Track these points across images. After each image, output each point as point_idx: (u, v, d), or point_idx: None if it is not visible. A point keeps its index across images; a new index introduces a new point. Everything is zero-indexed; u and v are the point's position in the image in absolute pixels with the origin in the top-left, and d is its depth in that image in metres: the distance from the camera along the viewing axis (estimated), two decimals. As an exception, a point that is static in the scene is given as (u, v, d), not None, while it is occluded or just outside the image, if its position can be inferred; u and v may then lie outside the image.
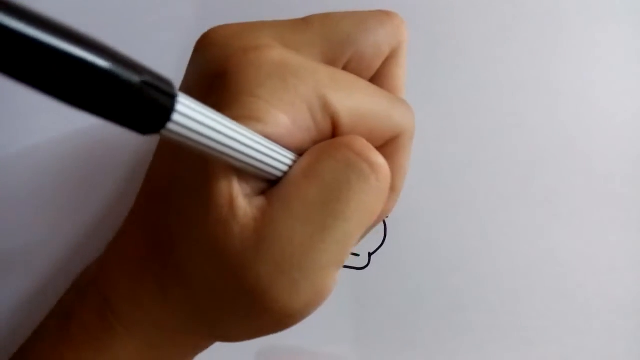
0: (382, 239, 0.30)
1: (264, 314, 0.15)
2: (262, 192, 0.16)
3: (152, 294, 0.17)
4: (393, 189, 0.18)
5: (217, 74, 0.16)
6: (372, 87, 0.17)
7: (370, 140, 0.16)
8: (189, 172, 0.16)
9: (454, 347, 0.29)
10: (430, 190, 0.29)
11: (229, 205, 0.15)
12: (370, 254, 0.30)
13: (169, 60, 0.27)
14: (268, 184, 0.16)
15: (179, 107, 0.12)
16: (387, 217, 0.19)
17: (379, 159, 0.15)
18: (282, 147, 0.15)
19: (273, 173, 0.15)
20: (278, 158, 0.15)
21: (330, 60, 0.18)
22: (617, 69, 0.29)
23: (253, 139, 0.14)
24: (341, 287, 0.30)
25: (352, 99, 0.16)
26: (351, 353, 0.29)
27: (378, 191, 0.15)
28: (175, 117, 0.12)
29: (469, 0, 0.29)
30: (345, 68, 0.18)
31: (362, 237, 0.17)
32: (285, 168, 0.16)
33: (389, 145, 0.18)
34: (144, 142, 0.27)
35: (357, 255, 0.30)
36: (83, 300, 0.18)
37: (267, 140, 0.15)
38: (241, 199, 0.15)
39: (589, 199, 0.29)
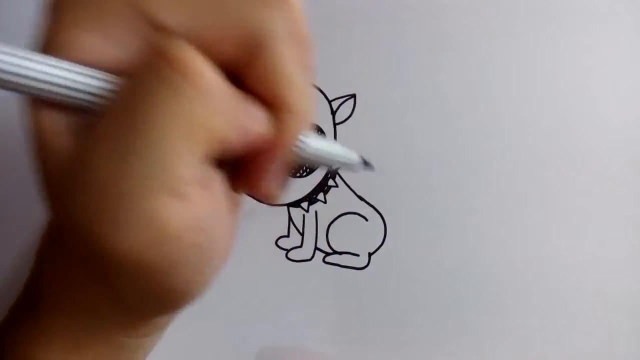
0: (382, 239, 0.30)
1: (99, 258, 0.13)
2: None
3: (78, 271, 0.15)
4: (281, 107, 0.15)
5: None
6: None
7: (213, 45, 0.14)
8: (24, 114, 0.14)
9: (454, 347, 0.29)
10: (430, 190, 0.29)
11: (50, 139, 0.13)
12: (370, 254, 0.30)
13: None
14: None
15: None
16: (286, 147, 0.15)
17: (191, 61, 0.13)
18: (98, 71, 0.14)
19: (93, 100, 0.14)
20: (93, 83, 0.13)
21: None
22: (617, 70, 0.29)
23: (57, 66, 0.13)
24: (341, 287, 0.30)
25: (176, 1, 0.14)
26: (351, 353, 0.29)
27: (194, 99, 0.13)
28: None
29: (469, 0, 0.29)
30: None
31: (188, 157, 0.13)
32: (108, 93, 0.14)
33: (254, 52, 0.14)
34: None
35: (357, 255, 0.30)
36: (24, 291, 0.17)
37: (74, 65, 0.13)
38: (61, 132, 0.14)
39: (589, 199, 0.29)
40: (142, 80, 0.13)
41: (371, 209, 0.30)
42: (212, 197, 0.14)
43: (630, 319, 0.29)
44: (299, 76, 0.15)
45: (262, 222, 0.30)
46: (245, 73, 0.14)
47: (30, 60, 0.12)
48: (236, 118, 0.14)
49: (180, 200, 0.13)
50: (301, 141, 0.15)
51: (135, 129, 0.13)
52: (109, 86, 0.13)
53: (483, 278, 0.29)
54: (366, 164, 0.19)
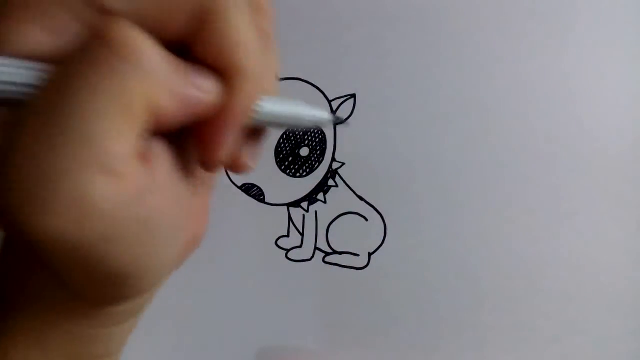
0: (382, 239, 0.30)
1: (37, 245, 0.13)
2: None
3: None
4: (235, 71, 0.14)
5: None
6: None
7: (160, 21, 0.14)
8: None
9: (454, 347, 0.29)
10: (430, 191, 0.29)
11: None
12: (370, 254, 0.30)
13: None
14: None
15: None
16: (238, 113, 0.14)
17: (113, 29, 0.13)
18: (33, 62, 0.13)
19: (21, 91, 0.13)
20: (25, 74, 0.13)
21: None
22: (618, 70, 0.29)
23: None
24: (341, 287, 0.30)
25: None
26: (351, 352, 0.29)
27: (126, 70, 0.13)
28: None
29: (469, 0, 0.29)
30: None
31: (114, 133, 0.13)
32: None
33: (205, 20, 0.14)
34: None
35: (357, 255, 0.30)
36: None
37: (6, 59, 0.13)
38: None
39: (589, 199, 0.29)
40: (72, 61, 0.13)
41: (371, 209, 0.30)
42: (155, 171, 0.14)
43: (630, 319, 0.29)
44: (253, 40, 0.14)
45: (262, 222, 0.30)
46: (196, 43, 0.14)
47: None
48: (174, 87, 0.14)
49: (113, 176, 0.13)
50: (258, 105, 0.14)
51: (61, 107, 0.12)
52: (43, 76, 0.13)
53: (483, 278, 0.29)
54: (338, 119, 0.19)
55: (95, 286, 0.14)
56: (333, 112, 0.20)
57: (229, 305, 0.30)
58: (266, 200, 0.30)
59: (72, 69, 0.13)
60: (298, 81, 0.30)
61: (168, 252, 0.15)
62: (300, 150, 0.30)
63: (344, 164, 0.30)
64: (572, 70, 0.29)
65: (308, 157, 0.30)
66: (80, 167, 0.13)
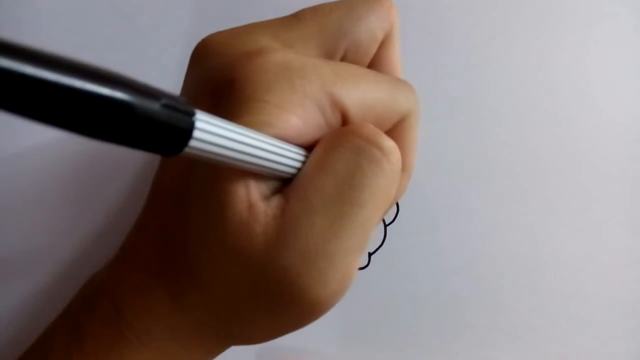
0: (382, 239, 0.30)
1: (293, 306, 0.15)
2: (278, 190, 0.16)
3: (165, 302, 0.17)
4: (404, 169, 0.18)
5: (223, 82, 0.16)
6: (374, 75, 0.18)
7: (378, 125, 0.17)
8: (202, 178, 0.16)
9: (454, 347, 0.29)
10: (430, 191, 0.29)
11: (248, 208, 0.15)
12: (370, 254, 0.30)
13: (166, 60, 0.27)
14: (283, 182, 0.16)
15: (198, 124, 0.12)
16: (400, 198, 0.19)
17: (388, 142, 0.16)
18: (294, 146, 0.16)
19: (287, 172, 0.16)
20: (291, 156, 0.15)
21: (328, 52, 0.18)
22: (617, 69, 0.29)
23: (267, 142, 0.14)
24: (341, 287, 0.30)
25: (358, 90, 0.16)
26: (351, 353, 0.29)
27: (391, 174, 0.16)
28: (196, 134, 0.12)
29: (469, 0, 0.29)
30: (343, 58, 0.18)
31: (379, 221, 0.17)
32: (299, 165, 0.16)
33: (396, 127, 0.18)
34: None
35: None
36: (93, 311, 0.18)
37: (280, 142, 0.15)
38: (259, 201, 0.15)
39: (588, 199, 0.29)
40: (349, 157, 0.15)
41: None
42: None
43: (630, 319, 0.29)
44: (416, 145, 0.19)
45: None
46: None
47: (246, 136, 0.14)
48: (401, 188, 0.18)
49: (360, 256, 0.16)
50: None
51: (350, 201, 0.15)
52: (300, 158, 0.16)
53: (483, 278, 0.29)
54: None
55: (273, 333, 0.18)
56: None
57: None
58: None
59: (353, 165, 0.15)
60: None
61: None
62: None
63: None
64: (572, 69, 0.29)
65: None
66: (355, 253, 0.16)
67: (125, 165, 0.27)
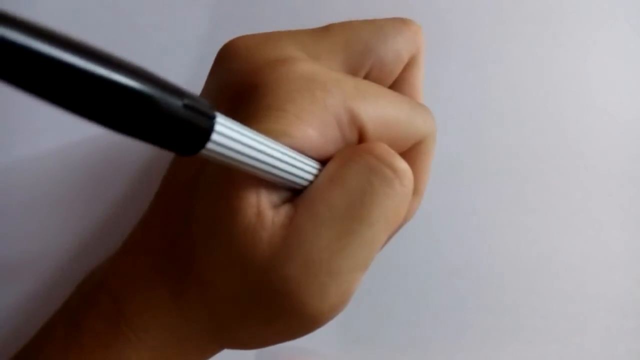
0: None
1: (290, 317, 0.15)
2: (288, 200, 0.16)
3: (165, 300, 0.17)
4: (416, 192, 0.19)
5: (245, 86, 0.16)
6: (395, 95, 0.18)
7: (394, 146, 0.17)
8: (214, 180, 0.16)
9: (454, 347, 0.29)
10: (430, 191, 0.29)
11: (257, 215, 0.15)
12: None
13: (167, 61, 0.27)
14: (293, 192, 0.16)
15: (217, 127, 0.12)
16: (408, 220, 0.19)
17: (401, 164, 0.16)
18: (308, 158, 0.16)
19: (299, 182, 0.16)
20: (305, 168, 0.15)
21: (353, 68, 0.18)
22: (617, 69, 0.29)
23: (283, 152, 0.14)
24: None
25: (378, 109, 0.16)
26: (351, 353, 0.29)
27: (402, 196, 0.16)
28: (214, 137, 0.12)
29: (469, 1, 0.29)
30: (367, 76, 0.18)
31: (386, 242, 0.17)
32: (311, 177, 0.16)
33: (412, 150, 0.18)
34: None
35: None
36: (92, 306, 0.18)
37: (296, 152, 0.15)
38: (268, 209, 0.15)
39: (588, 199, 0.29)
40: (361, 174, 0.15)
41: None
42: None
43: (630, 319, 0.29)
44: (430, 170, 0.19)
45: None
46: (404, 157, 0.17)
47: (263, 144, 0.14)
48: (411, 211, 0.18)
49: (363, 274, 0.16)
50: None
51: (358, 218, 0.15)
52: (313, 170, 0.16)
53: (483, 278, 0.29)
54: None
55: (268, 340, 0.18)
56: None
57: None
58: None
59: (364, 183, 0.15)
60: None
61: None
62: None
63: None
64: (571, 69, 0.29)
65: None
66: (359, 270, 0.16)
67: (125, 167, 0.27)
